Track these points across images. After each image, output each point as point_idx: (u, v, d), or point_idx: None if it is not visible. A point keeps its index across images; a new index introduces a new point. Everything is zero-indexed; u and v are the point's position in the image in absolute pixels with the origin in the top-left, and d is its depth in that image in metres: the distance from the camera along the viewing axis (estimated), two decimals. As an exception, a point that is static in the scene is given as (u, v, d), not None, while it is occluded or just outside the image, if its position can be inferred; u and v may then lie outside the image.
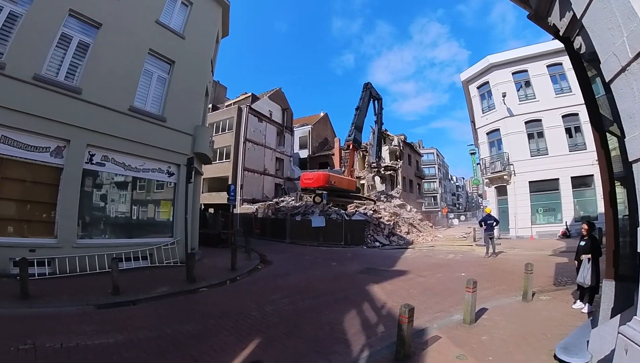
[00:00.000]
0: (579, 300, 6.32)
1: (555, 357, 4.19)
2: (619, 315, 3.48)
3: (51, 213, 9.50)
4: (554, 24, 4.17)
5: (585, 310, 6.02)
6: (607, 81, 2.84)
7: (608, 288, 4.09)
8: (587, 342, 3.99)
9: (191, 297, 8.13)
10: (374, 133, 37.79)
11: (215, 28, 15.90)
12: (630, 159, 2.74)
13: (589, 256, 6.02)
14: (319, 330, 5.62)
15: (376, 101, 32.73)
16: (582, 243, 6.41)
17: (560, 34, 4.06)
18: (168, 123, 12.36)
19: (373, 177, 36.29)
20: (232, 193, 17.48)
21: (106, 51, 10.68)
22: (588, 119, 4.46)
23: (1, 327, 5.34)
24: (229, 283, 9.74)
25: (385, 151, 37.30)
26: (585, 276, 5.93)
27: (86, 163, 10.18)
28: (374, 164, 34.91)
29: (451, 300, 7.44)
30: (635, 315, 2.76)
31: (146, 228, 12.25)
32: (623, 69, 2.62)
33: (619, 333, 2.88)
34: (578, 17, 3.10)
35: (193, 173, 11.04)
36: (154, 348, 4.82)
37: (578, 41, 3.43)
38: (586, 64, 4.21)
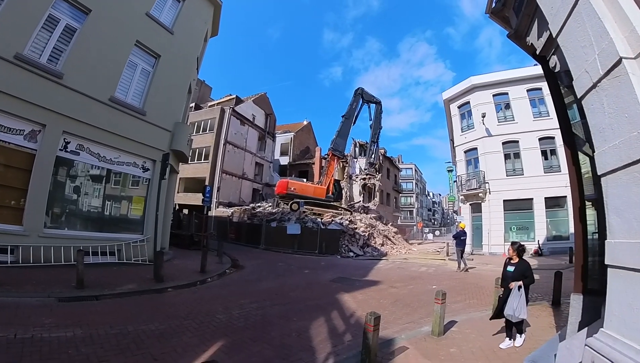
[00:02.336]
0: (507, 338, 5.29)
1: None
2: (586, 328, 3.53)
3: (19, 200, 9.06)
4: (531, 43, 4.31)
5: (520, 342, 5.27)
6: (578, 96, 2.92)
7: (576, 302, 4.17)
8: (555, 355, 4.04)
9: (157, 296, 7.93)
10: (356, 145, 38.08)
11: (205, 26, 15.89)
12: (599, 173, 2.81)
13: (520, 283, 5.05)
14: (286, 337, 5.50)
15: (372, 105, 31.98)
16: (511, 268, 5.39)
17: (537, 52, 4.21)
18: (147, 117, 12.15)
19: (364, 186, 36.19)
20: (208, 194, 17.09)
21: (93, 38, 10.40)
22: (563, 142, 4.60)
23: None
24: (198, 285, 9.50)
25: (364, 164, 37.35)
26: (516, 307, 4.89)
27: (60, 150, 9.85)
28: (371, 170, 34.66)
29: (422, 312, 7.47)
30: (602, 327, 2.79)
31: (116, 224, 11.89)
32: (594, 85, 2.70)
33: (586, 345, 2.91)
34: (554, 36, 3.19)
35: (168, 169, 10.83)
36: (114, 345, 4.66)
37: (553, 60, 3.55)
38: (564, 91, 4.35)
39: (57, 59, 9.69)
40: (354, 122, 30.07)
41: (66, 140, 9.99)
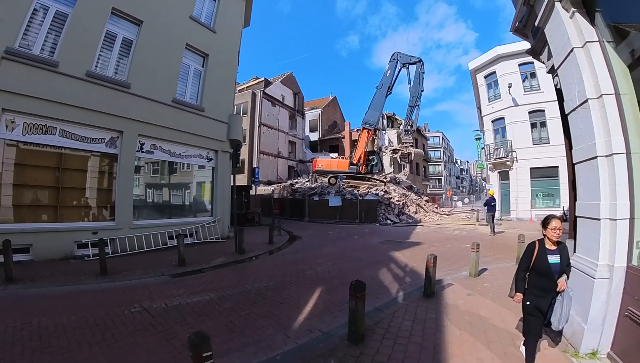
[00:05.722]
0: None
1: None
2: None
3: (109, 198, 10.54)
4: (543, 61, 5.76)
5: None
6: (566, 113, 4.44)
7: (569, 243, 5.71)
8: None
9: (248, 264, 9.48)
10: (383, 117, 38.50)
11: (241, 20, 16.46)
12: (574, 162, 4.38)
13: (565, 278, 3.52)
14: (364, 281, 7.32)
15: (411, 67, 28.81)
16: (554, 259, 3.47)
17: (546, 70, 5.67)
18: (206, 113, 13.47)
19: (400, 156, 36.79)
20: (257, 175, 19.16)
21: (148, 47, 11.38)
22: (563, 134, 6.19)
23: (101, 298, 5.93)
24: (272, 254, 11.18)
25: (393, 135, 38.15)
26: (564, 314, 3.46)
27: (137, 151, 11.18)
28: (408, 138, 32.81)
29: (459, 263, 9.29)
30: (575, 252, 4.45)
31: (191, 209, 13.78)
32: (574, 109, 4.19)
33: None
34: (555, 68, 4.68)
35: (239, 156, 12.33)
36: (244, 299, 5.95)
37: (556, 80, 4.99)
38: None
39: (121, 71, 10.77)
40: (390, 92, 28.85)
41: (141, 142, 11.28)
